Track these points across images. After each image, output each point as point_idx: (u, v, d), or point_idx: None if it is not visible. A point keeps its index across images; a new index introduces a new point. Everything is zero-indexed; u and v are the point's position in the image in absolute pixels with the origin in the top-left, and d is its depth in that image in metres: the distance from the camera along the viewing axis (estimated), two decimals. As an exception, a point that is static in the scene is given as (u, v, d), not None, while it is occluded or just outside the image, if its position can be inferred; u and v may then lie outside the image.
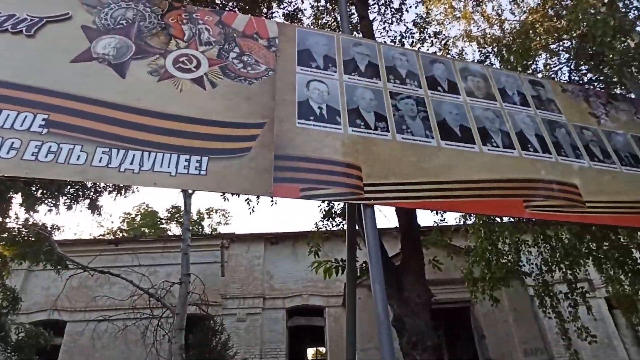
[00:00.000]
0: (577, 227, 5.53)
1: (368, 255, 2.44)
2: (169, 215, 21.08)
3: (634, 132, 4.19)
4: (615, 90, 5.67)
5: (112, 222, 20.35)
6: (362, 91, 3.24)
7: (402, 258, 3.30)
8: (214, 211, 25.21)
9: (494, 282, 5.67)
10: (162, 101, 2.64)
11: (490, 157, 3.19)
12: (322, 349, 12.72)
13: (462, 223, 7.13)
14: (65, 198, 7.84)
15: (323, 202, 5.68)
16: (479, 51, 7.86)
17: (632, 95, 4.89)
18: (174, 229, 21.20)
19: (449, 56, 7.17)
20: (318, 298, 12.55)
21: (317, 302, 12.51)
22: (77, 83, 2.55)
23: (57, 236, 10.18)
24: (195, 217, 25.18)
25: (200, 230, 23.54)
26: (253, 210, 7.72)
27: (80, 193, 8.09)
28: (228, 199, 11.27)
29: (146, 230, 19.76)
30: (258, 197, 7.20)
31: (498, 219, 6.14)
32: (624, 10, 6.30)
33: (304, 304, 12.45)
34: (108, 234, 19.35)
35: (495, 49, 6.97)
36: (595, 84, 6.21)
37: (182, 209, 11.57)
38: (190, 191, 7.94)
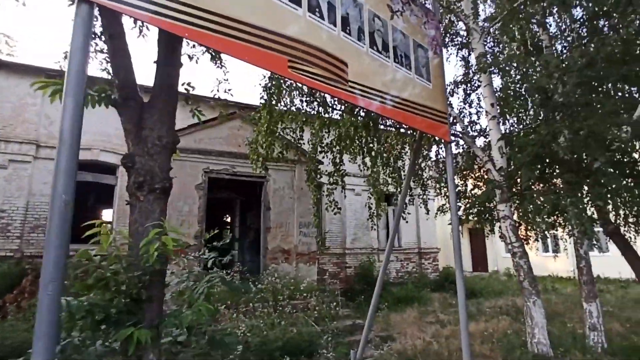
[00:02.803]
0: (351, 118, 6.19)
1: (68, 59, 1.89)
2: None
3: (415, 38, 4.56)
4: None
5: None
6: None
7: (152, 94, 2.87)
8: (-10, 32, 18.95)
9: (270, 154, 6.02)
10: None
11: (272, 4, 2.88)
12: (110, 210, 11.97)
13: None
14: None
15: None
16: None
17: (429, 6, 5.27)
18: None
19: None
20: (111, 155, 11.31)
21: (110, 159, 11.31)
22: None
23: None
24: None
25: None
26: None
27: None
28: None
29: None
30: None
31: (295, 106, 6.32)
32: None
33: (93, 159, 11.09)
34: None
35: None
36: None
37: None
38: None
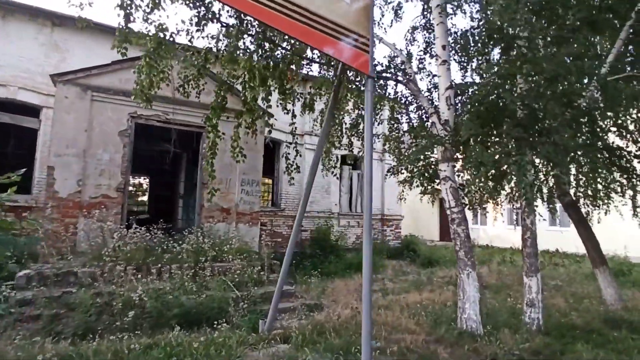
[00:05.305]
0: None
1: None
2: None
3: None
4: None
5: None
6: None
7: None
8: None
9: (154, 83, 5.03)
10: None
11: None
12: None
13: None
14: None
15: None
16: None
17: None
18: None
19: None
20: (33, 95, 10.00)
21: (31, 100, 10.00)
22: None
23: None
24: None
25: None
26: None
27: None
28: None
29: None
30: None
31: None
32: None
33: (9, 98, 9.75)
34: None
35: None
36: None
37: None
38: None
